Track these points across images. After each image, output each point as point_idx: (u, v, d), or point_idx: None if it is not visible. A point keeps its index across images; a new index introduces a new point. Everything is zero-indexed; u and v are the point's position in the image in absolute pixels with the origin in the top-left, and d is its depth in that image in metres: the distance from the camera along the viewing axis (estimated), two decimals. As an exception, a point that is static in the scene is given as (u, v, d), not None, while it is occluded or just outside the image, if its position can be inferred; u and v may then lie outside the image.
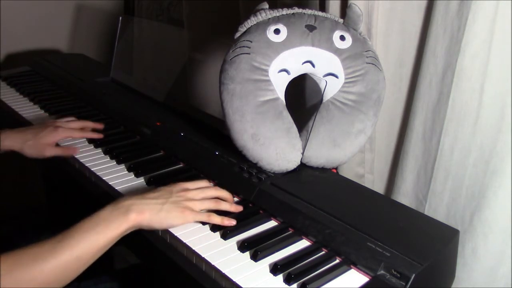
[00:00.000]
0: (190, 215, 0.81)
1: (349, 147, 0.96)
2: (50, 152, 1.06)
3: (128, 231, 0.77)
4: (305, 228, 0.82)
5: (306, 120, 0.97)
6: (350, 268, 0.76)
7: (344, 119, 0.94)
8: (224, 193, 0.89)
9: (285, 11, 0.96)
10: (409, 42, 1.04)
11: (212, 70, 1.15)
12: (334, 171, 1.02)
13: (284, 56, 0.93)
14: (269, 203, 0.88)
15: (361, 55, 0.95)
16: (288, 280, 0.72)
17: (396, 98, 1.09)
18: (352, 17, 0.96)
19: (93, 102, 1.34)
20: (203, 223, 0.85)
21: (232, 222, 0.83)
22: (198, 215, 0.82)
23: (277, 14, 0.95)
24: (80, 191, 1.01)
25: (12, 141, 1.06)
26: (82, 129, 1.15)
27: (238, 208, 0.87)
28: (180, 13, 1.78)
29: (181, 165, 1.05)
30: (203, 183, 0.90)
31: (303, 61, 0.94)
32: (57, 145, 1.10)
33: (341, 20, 0.98)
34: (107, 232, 0.74)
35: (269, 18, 0.95)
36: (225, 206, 0.86)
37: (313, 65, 0.95)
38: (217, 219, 0.83)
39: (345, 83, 0.95)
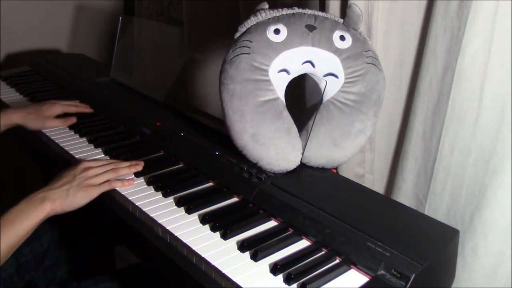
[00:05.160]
0: (94, 191, 0.91)
1: (349, 147, 0.96)
2: (53, 123, 1.19)
3: (45, 219, 0.87)
4: (305, 228, 0.82)
5: (306, 120, 0.97)
6: (350, 268, 0.76)
7: (344, 119, 0.94)
8: (124, 164, 0.98)
9: (285, 11, 0.96)
10: (409, 42, 1.04)
11: (212, 70, 1.15)
12: (334, 171, 1.02)
13: (284, 56, 0.93)
14: (269, 203, 0.88)
15: (361, 55, 0.95)
16: (288, 280, 0.72)
17: (396, 98, 1.09)
18: (352, 17, 0.96)
19: (93, 102, 1.34)
20: (203, 223, 0.85)
21: (131, 182, 0.95)
22: (101, 188, 0.92)
23: (277, 14, 0.95)
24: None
25: (15, 116, 1.16)
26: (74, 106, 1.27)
27: (137, 168, 0.98)
28: (180, 13, 1.78)
29: (181, 165, 1.05)
30: (104, 161, 0.99)
31: (303, 61, 0.94)
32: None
33: (341, 20, 0.98)
34: (27, 223, 0.84)
35: (269, 18, 0.95)
36: (123, 172, 0.96)
37: (313, 65, 0.95)
38: (118, 184, 0.94)
39: (345, 83, 0.95)
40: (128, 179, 0.96)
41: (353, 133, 0.95)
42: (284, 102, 0.94)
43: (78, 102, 1.30)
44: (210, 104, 1.17)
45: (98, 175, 0.93)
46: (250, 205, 0.91)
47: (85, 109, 1.27)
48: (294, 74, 0.96)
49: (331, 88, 0.95)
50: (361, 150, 1.09)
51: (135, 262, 1.18)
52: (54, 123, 1.19)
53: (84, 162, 0.96)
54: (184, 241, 0.80)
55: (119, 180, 0.95)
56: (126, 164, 0.99)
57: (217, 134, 1.08)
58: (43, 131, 1.18)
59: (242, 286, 0.71)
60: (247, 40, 0.93)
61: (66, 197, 0.88)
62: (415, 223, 0.85)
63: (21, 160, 1.50)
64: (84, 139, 1.16)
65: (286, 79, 0.95)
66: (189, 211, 0.88)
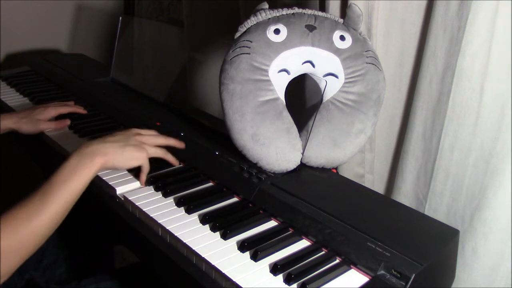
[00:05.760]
0: (146, 159, 0.93)
1: (349, 147, 0.96)
2: (45, 126, 1.18)
3: (97, 173, 0.87)
4: (305, 228, 0.82)
5: (306, 120, 0.97)
6: (350, 268, 0.76)
7: (344, 119, 0.94)
8: (172, 142, 1.01)
9: (285, 11, 0.96)
10: (409, 42, 1.04)
11: (212, 70, 1.15)
12: (334, 171, 1.02)
13: (284, 56, 0.93)
14: (269, 203, 0.88)
15: (361, 55, 0.95)
16: (288, 280, 0.72)
17: (396, 98, 1.09)
18: (352, 17, 0.96)
19: (93, 102, 1.34)
20: (203, 223, 0.85)
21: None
22: (156, 151, 0.95)
23: (277, 14, 0.95)
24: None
25: (9, 121, 1.15)
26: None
27: (182, 145, 1.03)
28: (180, 13, 1.78)
29: (181, 165, 1.05)
30: (153, 131, 1.01)
31: (303, 61, 0.94)
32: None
33: (341, 20, 0.98)
34: (80, 179, 0.83)
35: (269, 18, 0.95)
36: (169, 158, 0.99)
37: (313, 65, 0.95)
38: (169, 157, 0.97)
39: (345, 83, 0.95)
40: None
41: (353, 133, 0.95)
42: (284, 102, 0.94)
43: (73, 103, 1.29)
44: (210, 104, 1.17)
45: (152, 146, 0.95)
46: (250, 205, 0.91)
47: (78, 109, 1.27)
48: (294, 74, 0.96)
49: (331, 88, 0.95)
50: (361, 150, 1.09)
51: (135, 262, 1.18)
52: (47, 126, 1.18)
53: (135, 129, 0.98)
54: (184, 241, 0.80)
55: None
56: (172, 140, 1.01)
57: (217, 134, 1.08)
58: (44, 131, 1.18)
59: (242, 286, 0.71)
60: (247, 40, 0.94)
61: (122, 153, 0.89)
62: (415, 223, 0.85)
63: (22, 160, 1.50)
64: (84, 139, 1.16)
65: (286, 79, 0.95)
66: (189, 211, 0.88)
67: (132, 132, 0.96)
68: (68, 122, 1.21)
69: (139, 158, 0.92)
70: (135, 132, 0.96)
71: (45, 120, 1.19)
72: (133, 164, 0.92)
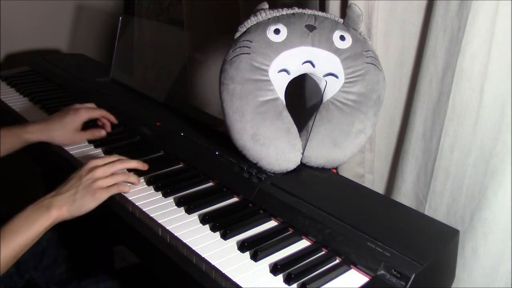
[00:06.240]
0: (102, 194, 0.88)
1: (349, 147, 0.96)
2: (80, 137, 1.12)
3: (51, 226, 0.84)
4: (305, 228, 0.82)
5: (306, 120, 0.97)
6: (350, 268, 0.76)
7: (344, 119, 0.94)
8: (132, 164, 0.96)
9: (285, 11, 0.96)
10: (409, 42, 1.04)
11: (212, 70, 1.15)
12: (334, 171, 1.02)
13: (284, 56, 0.93)
14: (269, 203, 0.88)
15: (361, 55, 0.95)
16: (288, 280, 0.72)
17: (396, 98, 1.09)
18: (352, 17, 0.96)
19: (93, 102, 1.33)
20: (203, 223, 0.85)
21: (136, 182, 0.94)
22: (110, 190, 0.89)
23: (277, 14, 0.95)
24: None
25: (40, 133, 1.10)
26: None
27: (144, 168, 0.97)
28: (180, 13, 1.78)
29: (181, 165, 1.05)
30: (112, 157, 0.95)
31: (303, 61, 0.94)
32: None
33: (341, 20, 0.98)
34: (32, 231, 0.82)
35: (269, 18, 0.95)
36: (133, 179, 0.94)
37: (313, 65, 0.95)
38: (126, 189, 0.92)
39: (345, 83, 0.95)
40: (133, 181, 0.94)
41: (353, 133, 0.95)
42: (284, 102, 0.94)
43: (94, 105, 1.19)
44: (210, 104, 1.17)
45: (106, 177, 0.89)
46: (250, 205, 0.91)
47: (108, 115, 1.17)
48: (294, 74, 0.96)
49: (331, 88, 0.95)
50: (361, 150, 1.09)
51: (135, 262, 1.18)
52: (83, 137, 1.12)
53: (91, 161, 0.91)
54: (184, 241, 0.80)
55: (126, 185, 0.92)
56: (134, 162, 0.96)
57: (217, 134, 1.08)
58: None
59: (242, 286, 0.71)
60: (247, 40, 0.93)
61: (73, 202, 0.85)
62: (415, 223, 0.85)
63: (22, 160, 1.49)
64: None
65: (286, 79, 0.95)
66: (189, 211, 0.88)
67: (85, 170, 0.89)
68: (103, 133, 1.14)
69: (94, 200, 0.87)
70: (89, 168, 0.89)
71: (79, 128, 1.12)
72: (91, 207, 0.87)
